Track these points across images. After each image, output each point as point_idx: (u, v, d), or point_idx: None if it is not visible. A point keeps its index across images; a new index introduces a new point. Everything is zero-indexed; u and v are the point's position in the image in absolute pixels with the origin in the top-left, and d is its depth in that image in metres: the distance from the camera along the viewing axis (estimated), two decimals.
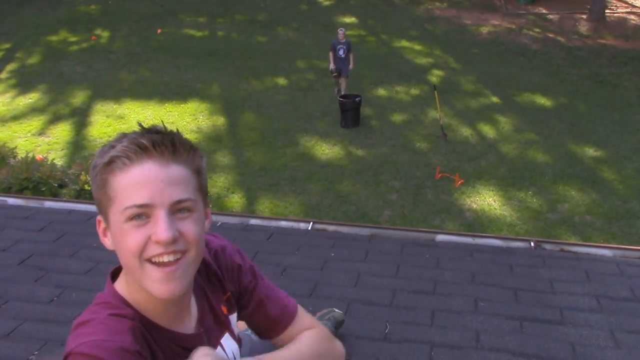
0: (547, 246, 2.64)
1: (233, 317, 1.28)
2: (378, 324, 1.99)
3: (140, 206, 0.98)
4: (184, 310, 1.13)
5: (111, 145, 1.02)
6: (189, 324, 1.14)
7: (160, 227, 0.97)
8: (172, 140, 1.02)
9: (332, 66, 9.77)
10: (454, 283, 2.28)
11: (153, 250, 0.99)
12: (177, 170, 1.01)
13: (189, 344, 1.10)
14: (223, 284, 1.25)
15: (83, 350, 0.95)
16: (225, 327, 1.24)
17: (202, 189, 1.07)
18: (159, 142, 1.00)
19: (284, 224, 2.89)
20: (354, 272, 2.36)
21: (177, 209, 1.00)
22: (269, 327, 1.31)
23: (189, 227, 1.01)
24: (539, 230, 6.39)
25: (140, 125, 1.05)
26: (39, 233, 2.68)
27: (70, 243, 2.58)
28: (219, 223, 2.84)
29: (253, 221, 2.90)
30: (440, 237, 2.70)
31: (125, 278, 1.08)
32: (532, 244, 2.64)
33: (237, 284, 1.28)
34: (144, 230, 0.98)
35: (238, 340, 1.29)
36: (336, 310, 1.92)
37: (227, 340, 1.23)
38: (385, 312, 2.07)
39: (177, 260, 1.00)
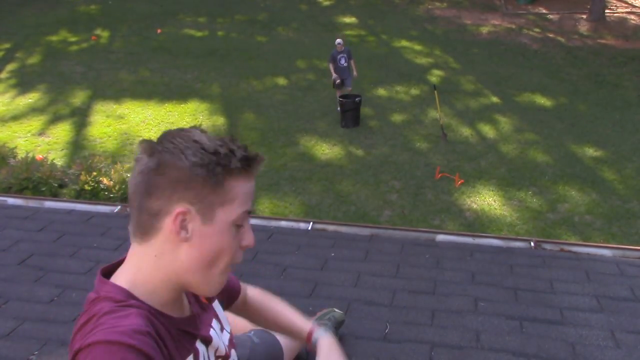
0: (547, 246, 2.64)
1: (217, 306, 1.35)
2: (378, 324, 1.99)
3: (249, 212, 1.11)
4: (181, 298, 1.19)
5: (222, 150, 1.07)
6: (183, 310, 1.19)
7: (252, 235, 1.13)
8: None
9: (334, 76, 9.43)
10: (454, 283, 2.28)
11: (239, 256, 1.12)
12: None
13: (187, 327, 1.15)
14: None
15: (93, 340, 0.94)
16: (212, 314, 1.30)
17: None
18: (259, 162, 1.12)
19: (284, 224, 2.89)
20: (354, 272, 2.36)
21: None
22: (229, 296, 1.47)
23: None
24: (539, 230, 6.39)
25: (233, 138, 1.13)
26: (39, 233, 2.68)
27: (70, 243, 2.58)
28: None
29: (253, 221, 2.90)
30: (440, 237, 2.70)
31: (143, 269, 1.09)
32: (532, 244, 2.64)
33: None
34: (237, 237, 1.10)
35: (227, 329, 1.37)
36: (336, 310, 1.92)
37: (216, 325, 1.29)
38: (385, 312, 2.07)
39: None
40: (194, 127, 1.12)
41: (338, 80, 9.46)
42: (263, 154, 1.14)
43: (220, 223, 1.07)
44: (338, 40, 9.51)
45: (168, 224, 1.06)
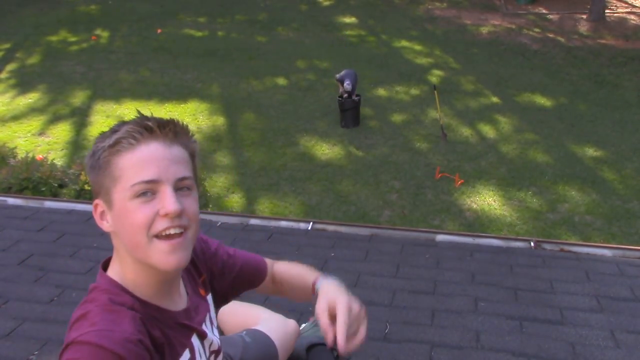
0: (547, 246, 2.64)
1: (210, 299, 1.35)
2: (378, 324, 1.99)
3: (148, 182, 1.04)
4: (175, 289, 1.18)
5: (113, 130, 1.09)
6: (180, 302, 1.19)
7: (169, 200, 1.04)
8: (174, 123, 1.11)
9: (341, 90, 9.25)
10: (454, 283, 2.28)
11: (160, 224, 1.05)
12: (178, 151, 1.09)
13: (184, 320, 1.16)
14: (198, 267, 1.33)
15: (86, 339, 0.96)
16: (208, 306, 1.32)
17: (196, 173, 1.15)
18: (163, 124, 1.08)
19: (284, 224, 2.89)
20: (354, 272, 2.36)
21: (179, 187, 1.07)
22: (250, 278, 1.43)
23: (190, 204, 1.08)
24: (539, 230, 6.39)
25: (139, 112, 1.13)
26: (39, 233, 2.68)
27: (70, 243, 2.58)
28: (219, 223, 2.84)
29: (253, 221, 2.90)
30: (440, 237, 2.70)
31: (120, 262, 1.13)
32: (532, 244, 2.64)
33: (211, 265, 1.36)
34: (150, 206, 1.05)
35: (218, 328, 1.37)
36: None
37: (208, 319, 1.29)
38: (385, 312, 2.07)
39: (181, 233, 1.06)
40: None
41: (346, 93, 9.31)
42: (145, 116, 1.10)
43: (118, 204, 1.06)
44: (347, 87, 9.19)
45: None
